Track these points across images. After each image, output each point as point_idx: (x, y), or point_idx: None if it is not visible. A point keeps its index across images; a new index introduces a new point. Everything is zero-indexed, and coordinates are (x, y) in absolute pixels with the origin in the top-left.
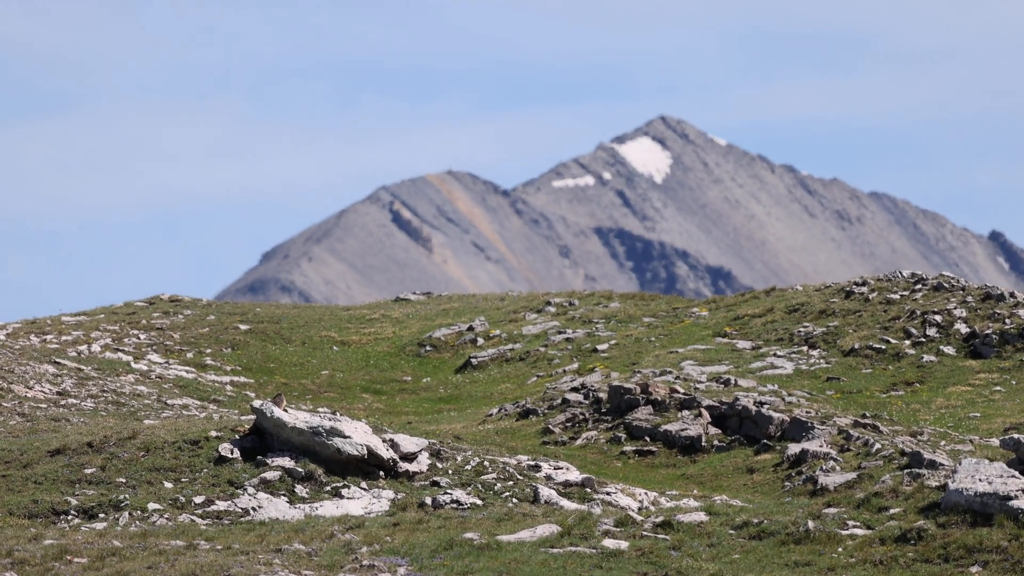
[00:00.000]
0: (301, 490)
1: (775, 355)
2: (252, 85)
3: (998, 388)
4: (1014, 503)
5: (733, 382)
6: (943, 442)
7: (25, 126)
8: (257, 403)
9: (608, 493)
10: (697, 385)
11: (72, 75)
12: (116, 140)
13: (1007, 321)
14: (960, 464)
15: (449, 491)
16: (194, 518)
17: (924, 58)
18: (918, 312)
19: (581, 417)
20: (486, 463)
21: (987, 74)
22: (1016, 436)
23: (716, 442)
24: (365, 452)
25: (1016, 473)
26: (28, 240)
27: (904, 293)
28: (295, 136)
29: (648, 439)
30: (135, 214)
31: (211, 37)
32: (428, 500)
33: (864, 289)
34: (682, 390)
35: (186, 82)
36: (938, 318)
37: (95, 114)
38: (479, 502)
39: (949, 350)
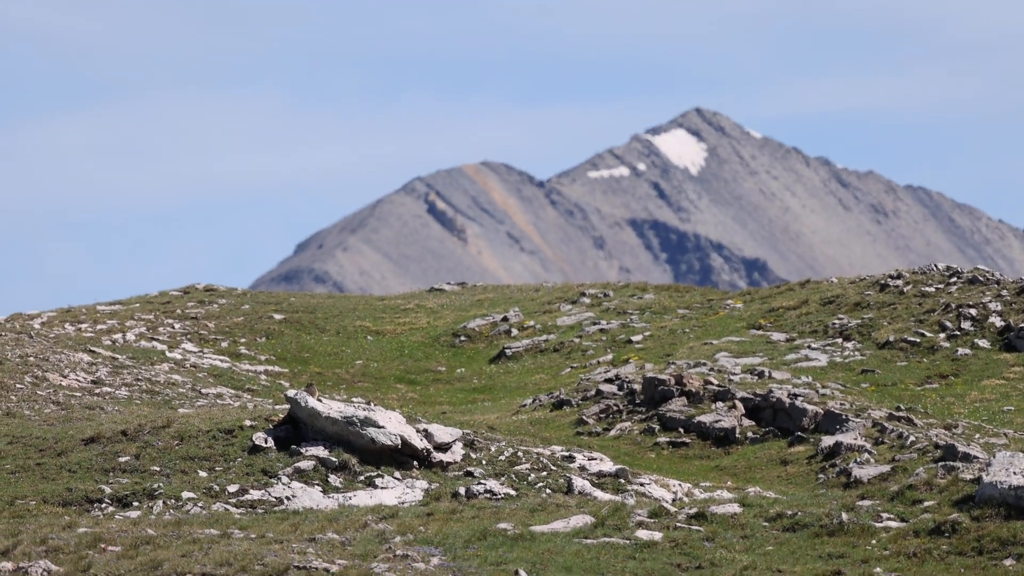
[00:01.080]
0: (335, 480)
1: (809, 347)
2: (292, 75)
3: None
4: None
5: (767, 374)
6: (977, 435)
7: (64, 116)
8: (291, 392)
9: (642, 484)
10: (731, 377)
11: (112, 64)
12: (155, 129)
13: None
14: (994, 457)
15: (483, 481)
16: (228, 507)
17: (960, 52)
18: (953, 305)
19: (615, 408)
20: (520, 453)
21: (1019, 68)
22: None
23: (750, 434)
24: (399, 442)
25: None
26: (65, 229)
27: (939, 286)
28: (332, 126)
29: (682, 430)
30: (171, 204)
31: (252, 26)
32: (462, 490)
33: (899, 282)
34: (716, 382)
35: (226, 71)
36: (973, 311)
37: (134, 103)
38: (513, 492)
39: (984, 343)
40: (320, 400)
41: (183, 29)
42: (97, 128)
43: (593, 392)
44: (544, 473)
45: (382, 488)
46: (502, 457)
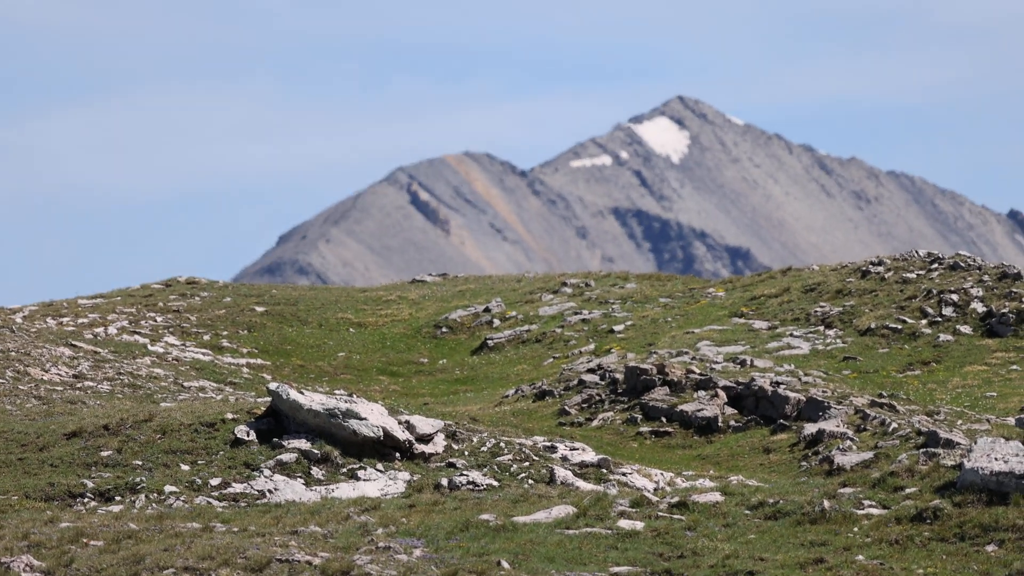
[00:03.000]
0: (317, 472)
1: (791, 335)
2: (281, 66)
3: (1015, 367)
4: None
5: (749, 362)
6: (960, 421)
7: (49, 109)
8: (273, 385)
9: (624, 474)
10: (713, 365)
11: (95, 57)
12: (138, 122)
13: None
14: (976, 443)
15: (465, 472)
16: (210, 500)
17: (944, 36)
18: (934, 291)
19: (597, 398)
20: (502, 444)
21: (1007, 52)
22: None
23: (732, 422)
24: (381, 434)
25: None
26: (48, 223)
27: (920, 272)
28: (317, 118)
29: (664, 420)
30: (153, 197)
31: (242, 17)
32: (444, 481)
33: (880, 269)
34: (698, 370)
35: (211, 64)
36: (954, 297)
37: (117, 96)
38: (495, 483)
39: (966, 329)
40: (302, 392)
41: (172, 20)
42: (81, 122)
43: (575, 382)
44: (526, 464)
45: (364, 480)
46: (484, 448)
